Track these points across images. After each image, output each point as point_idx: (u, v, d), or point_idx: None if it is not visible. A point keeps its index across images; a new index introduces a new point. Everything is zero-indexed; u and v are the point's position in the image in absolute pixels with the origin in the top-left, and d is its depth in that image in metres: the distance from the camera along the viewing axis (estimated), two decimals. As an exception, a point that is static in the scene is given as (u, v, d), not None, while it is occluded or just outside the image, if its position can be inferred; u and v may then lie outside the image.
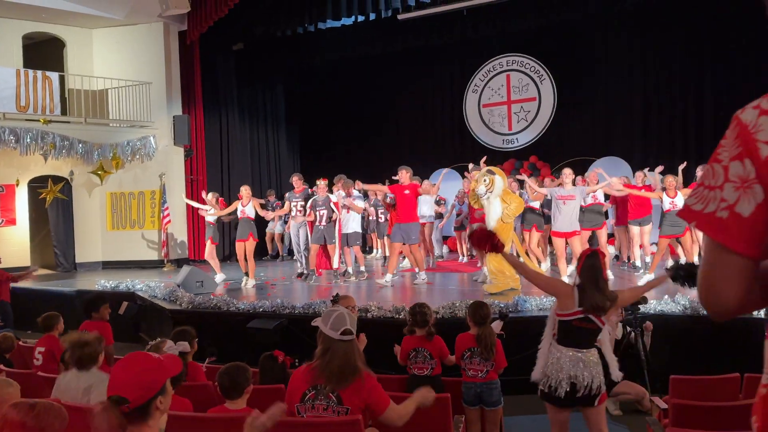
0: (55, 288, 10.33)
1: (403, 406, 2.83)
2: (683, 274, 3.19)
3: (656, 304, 6.01)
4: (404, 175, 8.59)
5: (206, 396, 3.63)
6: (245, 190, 9.55)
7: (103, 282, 9.88)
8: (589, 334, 3.56)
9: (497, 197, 7.50)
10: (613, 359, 3.70)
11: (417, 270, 8.69)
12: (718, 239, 1.01)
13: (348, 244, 9.41)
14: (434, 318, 4.49)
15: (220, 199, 10.38)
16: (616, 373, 3.84)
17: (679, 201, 7.79)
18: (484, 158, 10.03)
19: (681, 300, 6.04)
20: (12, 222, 12.24)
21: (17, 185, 12.24)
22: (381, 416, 2.79)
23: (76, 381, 3.53)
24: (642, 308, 5.65)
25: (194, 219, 12.82)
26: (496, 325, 4.35)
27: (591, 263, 3.61)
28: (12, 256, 11.92)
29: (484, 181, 7.53)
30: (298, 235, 9.71)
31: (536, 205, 9.48)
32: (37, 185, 12.51)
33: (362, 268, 9.69)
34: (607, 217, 9.56)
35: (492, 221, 7.41)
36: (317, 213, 9.13)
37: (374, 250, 12.69)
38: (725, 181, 1.01)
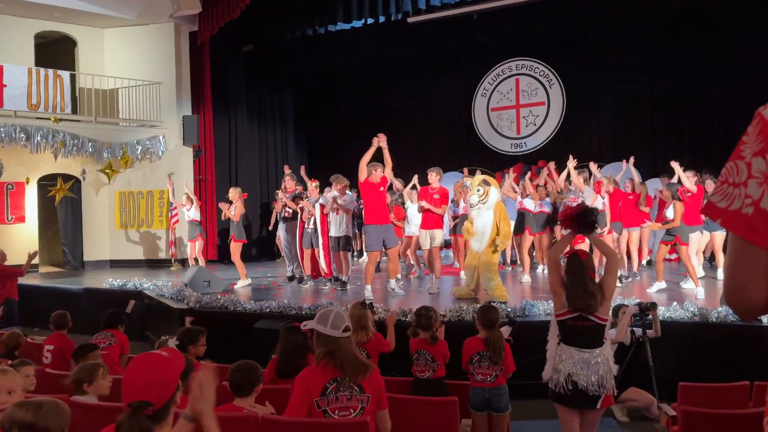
0: (62, 286, 10.38)
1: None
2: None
3: (665, 310, 5.97)
4: (377, 173, 7.89)
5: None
6: (234, 193, 9.72)
7: (111, 280, 9.92)
8: (590, 332, 3.50)
9: (489, 209, 7.13)
10: (610, 353, 3.60)
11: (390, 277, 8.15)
12: (744, 236, 1.00)
13: (339, 248, 8.65)
14: (440, 323, 4.45)
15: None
16: (613, 368, 3.62)
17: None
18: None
19: (689, 307, 6.00)
20: (21, 219, 12.30)
21: (27, 183, 12.31)
22: (380, 412, 2.85)
23: None
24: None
25: (202, 218, 12.84)
26: (505, 331, 4.33)
27: (574, 263, 3.61)
28: (21, 254, 11.90)
29: (478, 191, 7.14)
30: (286, 236, 9.66)
31: (531, 207, 9.38)
32: (46, 183, 12.58)
33: (344, 278, 8.70)
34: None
35: (479, 234, 7.16)
36: (307, 215, 8.96)
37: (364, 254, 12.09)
38: (749, 177, 1.01)
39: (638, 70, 12.83)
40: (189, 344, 4.04)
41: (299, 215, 9.19)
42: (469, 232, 7.33)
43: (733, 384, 4.02)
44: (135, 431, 1.81)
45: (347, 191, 8.71)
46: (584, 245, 7.25)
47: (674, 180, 8.10)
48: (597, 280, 3.67)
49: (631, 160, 9.00)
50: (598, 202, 8.02)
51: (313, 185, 9.14)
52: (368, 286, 7.76)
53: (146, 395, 1.85)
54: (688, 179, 7.81)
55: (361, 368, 2.79)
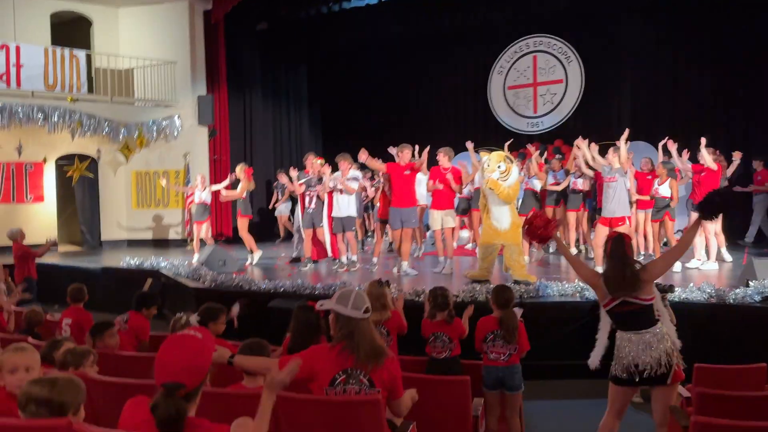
0: (81, 264, 10.54)
1: (408, 397, 2.84)
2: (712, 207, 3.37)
3: (681, 291, 5.91)
4: (405, 155, 7.95)
5: (224, 374, 3.65)
6: (239, 169, 9.70)
7: (128, 259, 10.03)
8: (638, 314, 3.48)
9: (508, 187, 6.85)
10: (671, 328, 3.63)
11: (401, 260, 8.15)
12: None
13: (343, 229, 8.51)
14: (453, 301, 4.48)
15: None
16: (677, 342, 3.68)
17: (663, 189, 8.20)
18: (509, 142, 9.78)
19: (706, 288, 5.93)
20: (40, 199, 12.45)
21: (45, 163, 12.43)
22: (393, 402, 2.77)
23: None
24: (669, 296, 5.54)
25: (217, 199, 12.87)
26: (516, 312, 4.32)
27: (614, 248, 3.61)
28: (39, 233, 12.12)
29: (499, 167, 6.80)
30: (298, 217, 9.57)
31: (536, 186, 9.24)
32: (64, 163, 12.70)
33: (354, 258, 8.65)
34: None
35: (495, 211, 6.91)
36: (308, 195, 8.83)
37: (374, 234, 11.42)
38: None
39: (658, 47, 12.57)
40: (209, 321, 4.07)
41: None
42: (485, 208, 7.15)
43: (749, 366, 3.98)
44: (172, 411, 1.83)
45: (352, 170, 8.60)
46: (624, 228, 7.03)
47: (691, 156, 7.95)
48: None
49: (670, 143, 8.46)
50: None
51: (318, 162, 9.01)
52: (405, 263, 8.06)
53: (181, 378, 1.87)
54: (708, 156, 7.67)
55: (375, 355, 2.68)
